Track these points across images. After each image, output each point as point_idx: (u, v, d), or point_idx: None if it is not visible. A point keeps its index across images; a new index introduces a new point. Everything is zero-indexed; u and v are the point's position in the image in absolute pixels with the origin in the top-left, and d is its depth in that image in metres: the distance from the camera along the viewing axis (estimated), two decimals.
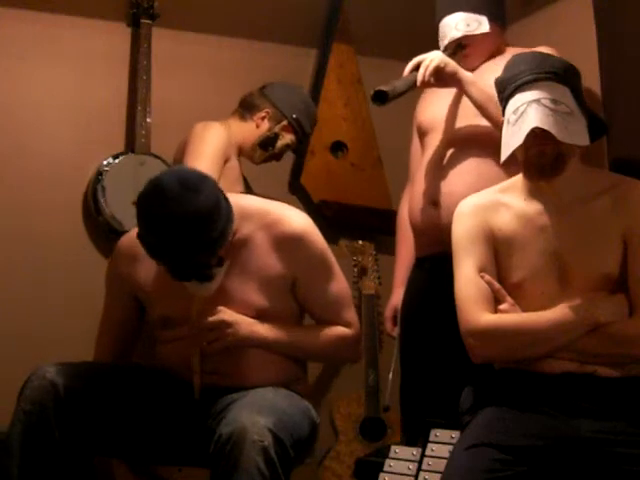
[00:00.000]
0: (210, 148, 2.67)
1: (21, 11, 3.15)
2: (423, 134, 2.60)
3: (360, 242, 3.35)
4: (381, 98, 2.30)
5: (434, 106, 2.57)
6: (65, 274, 3.08)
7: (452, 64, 2.39)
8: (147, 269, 2.16)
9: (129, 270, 2.20)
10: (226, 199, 2.03)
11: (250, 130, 2.88)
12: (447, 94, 2.53)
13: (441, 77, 2.36)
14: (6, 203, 3.08)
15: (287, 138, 2.92)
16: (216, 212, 1.96)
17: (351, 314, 2.25)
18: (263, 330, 2.12)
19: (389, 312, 2.73)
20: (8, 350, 2.95)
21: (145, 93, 3.16)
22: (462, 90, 2.40)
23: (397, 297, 2.69)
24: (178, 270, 2.02)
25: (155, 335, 2.24)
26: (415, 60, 2.40)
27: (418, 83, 2.37)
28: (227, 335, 2.08)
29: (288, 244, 2.12)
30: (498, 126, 2.15)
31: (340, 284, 2.23)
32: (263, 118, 2.87)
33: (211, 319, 2.08)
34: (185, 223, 1.92)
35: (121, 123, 3.25)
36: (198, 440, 2.03)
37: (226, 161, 2.73)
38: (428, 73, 2.35)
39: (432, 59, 2.36)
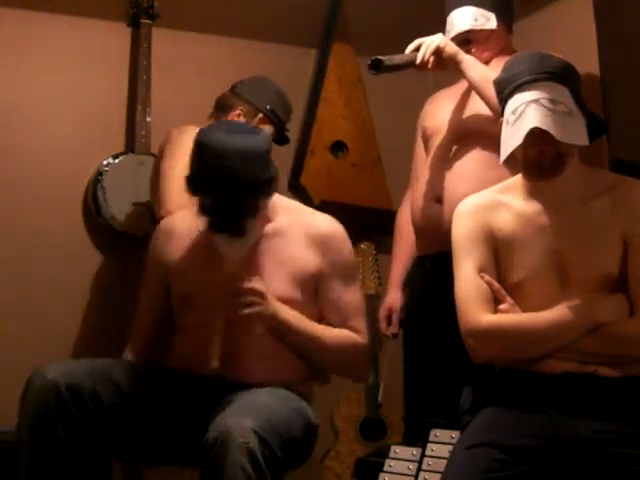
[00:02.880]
0: (186, 149, 2.68)
1: (21, 11, 3.16)
2: (428, 137, 2.60)
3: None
4: (376, 67, 2.35)
5: (440, 112, 2.57)
6: (65, 274, 3.07)
7: (453, 45, 2.40)
8: (179, 247, 2.22)
9: (163, 248, 2.25)
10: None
11: None
12: (453, 100, 2.54)
13: (441, 58, 2.37)
14: (6, 202, 3.08)
15: (266, 130, 2.95)
16: (269, 155, 2.08)
17: (362, 324, 2.25)
18: (288, 315, 2.12)
19: (383, 312, 2.72)
20: (8, 350, 2.95)
21: (145, 93, 3.17)
22: (461, 73, 2.40)
23: (392, 297, 2.69)
24: (218, 211, 2.06)
25: (175, 322, 2.23)
26: (417, 41, 2.41)
27: (418, 61, 2.38)
28: (258, 304, 2.06)
29: (323, 242, 2.19)
30: (497, 111, 2.16)
31: (358, 294, 2.27)
32: (239, 115, 2.90)
33: (247, 284, 2.06)
34: (245, 152, 2.01)
35: (121, 123, 3.25)
36: (198, 439, 2.03)
37: None
38: (429, 52, 2.36)
39: (433, 40, 2.38)
